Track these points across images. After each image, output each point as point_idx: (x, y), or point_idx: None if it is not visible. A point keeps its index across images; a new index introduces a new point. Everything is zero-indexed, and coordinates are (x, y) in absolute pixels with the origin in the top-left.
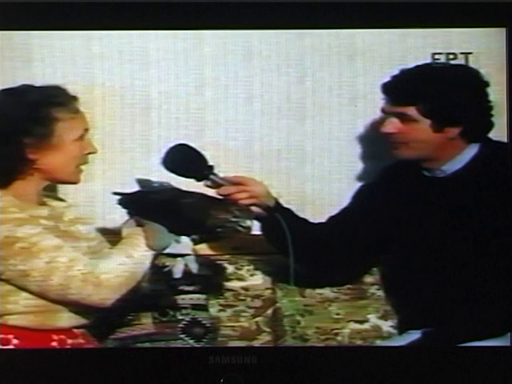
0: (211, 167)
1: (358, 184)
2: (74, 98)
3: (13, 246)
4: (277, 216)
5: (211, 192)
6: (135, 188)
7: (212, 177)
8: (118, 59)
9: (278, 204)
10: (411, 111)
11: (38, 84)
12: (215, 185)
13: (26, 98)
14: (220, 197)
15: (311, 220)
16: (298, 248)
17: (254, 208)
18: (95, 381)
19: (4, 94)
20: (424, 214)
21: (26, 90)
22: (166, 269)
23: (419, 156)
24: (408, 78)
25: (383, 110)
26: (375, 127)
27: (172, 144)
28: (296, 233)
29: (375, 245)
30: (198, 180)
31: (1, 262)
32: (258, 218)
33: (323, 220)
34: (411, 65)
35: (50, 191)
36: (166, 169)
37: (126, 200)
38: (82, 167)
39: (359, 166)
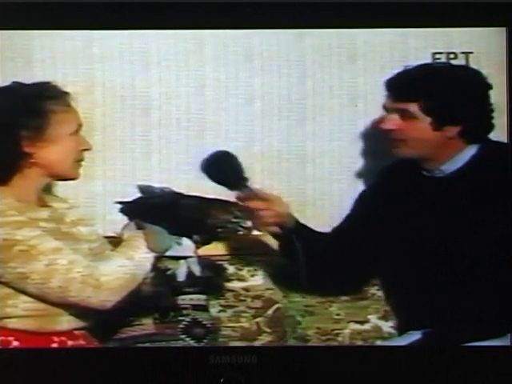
0: (247, 179)
1: (359, 184)
2: (66, 93)
3: (12, 249)
4: (293, 238)
5: (213, 195)
6: (136, 192)
7: (245, 189)
8: (118, 60)
9: (297, 225)
10: (412, 108)
11: (28, 82)
12: (245, 196)
13: (19, 93)
14: (246, 209)
15: (316, 228)
16: (311, 265)
17: (273, 227)
18: (95, 381)
19: None
20: (423, 213)
21: (17, 87)
22: (169, 271)
23: (418, 154)
24: (411, 75)
25: (384, 107)
26: (375, 125)
27: (214, 149)
28: (310, 250)
29: (379, 247)
30: (231, 189)
31: (0, 264)
32: (275, 236)
33: (330, 229)
34: (414, 64)
35: (51, 192)
36: (204, 172)
37: (128, 207)
38: (81, 164)
39: (360, 165)
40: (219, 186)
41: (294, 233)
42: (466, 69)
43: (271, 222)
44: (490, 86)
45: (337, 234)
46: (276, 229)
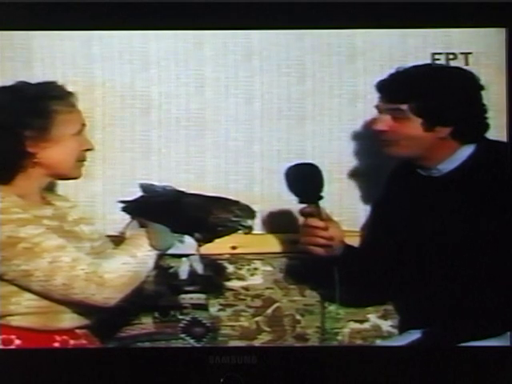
0: (321, 198)
1: (358, 184)
2: (71, 93)
3: (16, 247)
4: (333, 264)
5: (214, 194)
6: (137, 191)
7: (314, 206)
8: (118, 59)
9: (343, 250)
10: (403, 109)
11: (33, 81)
12: (309, 212)
13: (24, 93)
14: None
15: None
16: (343, 280)
17: (319, 249)
18: (95, 381)
19: (1, 91)
20: (422, 213)
21: (23, 86)
22: (172, 270)
23: (412, 154)
24: (401, 77)
25: (377, 107)
26: (369, 125)
27: (299, 161)
28: (343, 267)
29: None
30: (301, 202)
31: (4, 262)
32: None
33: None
34: (409, 65)
35: (53, 191)
36: (285, 178)
37: (130, 206)
38: (83, 164)
39: (359, 165)
40: (220, 187)
41: (336, 258)
42: (456, 70)
43: (321, 243)
44: (481, 87)
45: (362, 245)
46: (321, 251)
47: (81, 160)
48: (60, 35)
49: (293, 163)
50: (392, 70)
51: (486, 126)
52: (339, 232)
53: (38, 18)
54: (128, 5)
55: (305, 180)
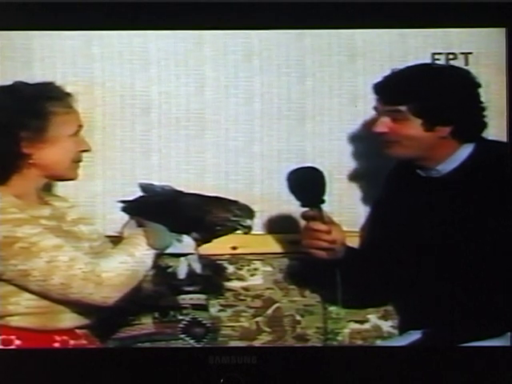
0: (324, 201)
1: (358, 184)
2: (68, 94)
3: (12, 246)
4: (334, 266)
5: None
6: (136, 191)
7: (317, 209)
8: (118, 59)
9: (344, 253)
10: (402, 110)
11: (32, 82)
12: (311, 216)
13: (21, 93)
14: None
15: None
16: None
17: (321, 252)
18: (95, 381)
19: None
20: (421, 214)
21: (20, 86)
22: (170, 269)
23: (413, 155)
24: (397, 79)
25: (376, 109)
26: (369, 127)
27: (301, 165)
28: (345, 269)
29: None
30: (304, 206)
31: (1, 262)
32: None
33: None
34: (404, 65)
35: (51, 191)
36: (289, 185)
37: (129, 206)
38: (79, 165)
39: (359, 166)
40: (220, 187)
41: (338, 261)
42: (453, 69)
43: (324, 246)
44: (478, 84)
45: (362, 246)
46: (324, 254)
47: (77, 161)
48: (60, 35)
49: (295, 167)
50: (387, 72)
51: (485, 124)
52: (341, 235)
53: (38, 18)
54: (128, 5)
55: (307, 184)
